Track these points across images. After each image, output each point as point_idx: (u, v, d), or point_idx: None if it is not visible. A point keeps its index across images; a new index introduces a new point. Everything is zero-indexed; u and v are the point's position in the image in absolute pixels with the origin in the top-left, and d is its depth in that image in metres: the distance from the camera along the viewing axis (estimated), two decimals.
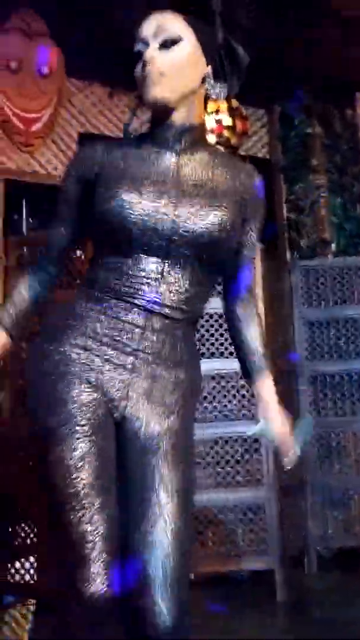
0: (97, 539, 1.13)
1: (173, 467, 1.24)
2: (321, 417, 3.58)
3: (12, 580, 2.77)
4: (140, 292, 1.26)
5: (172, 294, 1.28)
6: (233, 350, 3.10)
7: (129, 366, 1.26)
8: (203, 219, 1.27)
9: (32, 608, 2.94)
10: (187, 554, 1.20)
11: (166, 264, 1.27)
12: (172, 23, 1.32)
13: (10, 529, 2.82)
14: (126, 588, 1.14)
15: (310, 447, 3.54)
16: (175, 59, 1.30)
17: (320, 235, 4.84)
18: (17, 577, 2.77)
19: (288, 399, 3.46)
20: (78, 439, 1.18)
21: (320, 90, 4.94)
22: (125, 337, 1.26)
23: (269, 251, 3.44)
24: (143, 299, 1.26)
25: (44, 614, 2.85)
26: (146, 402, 1.27)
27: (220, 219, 1.28)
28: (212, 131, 4.57)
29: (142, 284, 1.26)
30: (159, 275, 1.27)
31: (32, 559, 2.78)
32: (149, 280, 1.26)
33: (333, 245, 4.89)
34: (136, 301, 1.26)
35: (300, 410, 3.56)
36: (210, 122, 4.57)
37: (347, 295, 3.70)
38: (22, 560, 2.79)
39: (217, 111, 4.52)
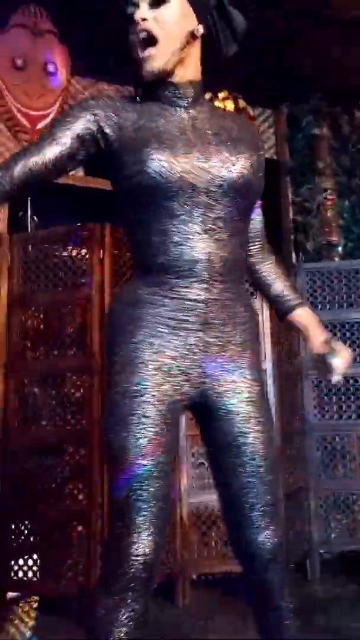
0: (149, 508, 1.25)
1: (255, 423, 1.34)
2: (326, 420, 3.55)
3: (15, 578, 2.75)
4: (191, 263, 1.28)
5: (219, 251, 1.30)
6: None
7: (201, 344, 1.32)
8: (234, 165, 1.31)
9: (34, 605, 2.92)
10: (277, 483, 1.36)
11: (208, 219, 1.30)
12: None
13: (13, 527, 2.80)
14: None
15: (314, 450, 3.51)
16: (166, 17, 1.33)
17: (326, 237, 4.82)
18: (20, 574, 2.75)
19: (293, 402, 3.44)
20: (150, 426, 1.26)
21: (328, 92, 4.92)
22: (191, 316, 1.30)
23: (275, 253, 3.40)
24: (195, 269, 1.28)
25: (46, 611, 2.83)
26: (222, 372, 1.33)
27: (248, 162, 1.34)
28: None
29: (191, 248, 1.28)
30: (205, 234, 1.29)
31: (35, 556, 2.76)
32: (193, 243, 1.28)
33: (340, 248, 4.87)
34: (191, 274, 1.28)
35: (304, 413, 3.53)
36: None
37: (353, 299, 3.67)
38: (25, 557, 2.77)
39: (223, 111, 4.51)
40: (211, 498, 3.02)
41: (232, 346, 1.35)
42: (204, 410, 1.37)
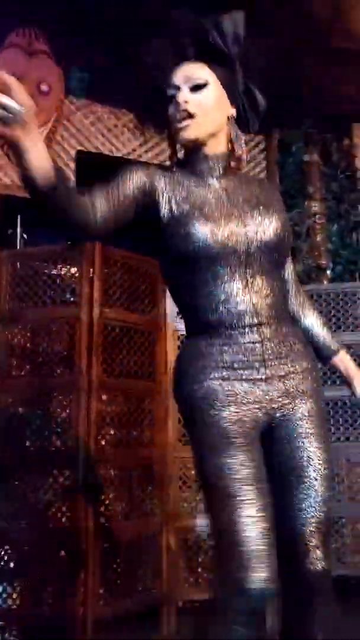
0: (260, 533, 1.31)
1: (317, 445, 1.45)
2: None
3: None
4: (240, 314, 1.44)
5: (262, 298, 1.46)
6: None
7: (263, 377, 1.45)
8: (268, 227, 1.47)
9: (14, 634, 2.84)
10: (330, 516, 1.46)
11: (249, 276, 1.46)
12: (199, 70, 1.52)
13: None
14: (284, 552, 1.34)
15: None
16: (203, 101, 1.49)
17: (316, 261, 4.84)
18: (0, 601, 2.68)
19: None
20: (235, 450, 1.37)
21: (319, 119, 4.99)
22: (251, 356, 1.45)
23: None
24: (243, 319, 1.44)
25: (28, 638, 2.74)
26: (284, 400, 1.46)
27: (279, 223, 1.50)
28: None
29: (237, 302, 1.44)
30: (246, 288, 1.45)
31: (15, 583, 2.68)
32: (239, 298, 1.44)
33: (328, 272, 4.89)
34: (241, 323, 1.44)
35: None
36: None
37: (342, 322, 3.67)
38: (4, 584, 2.69)
39: None
40: (199, 522, 2.99)
41: (292, 375, 1.48)
42: (272, 434, 1.48)
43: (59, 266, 2.92)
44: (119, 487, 2.78)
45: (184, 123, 1.48)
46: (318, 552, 1.41)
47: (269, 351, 1.46)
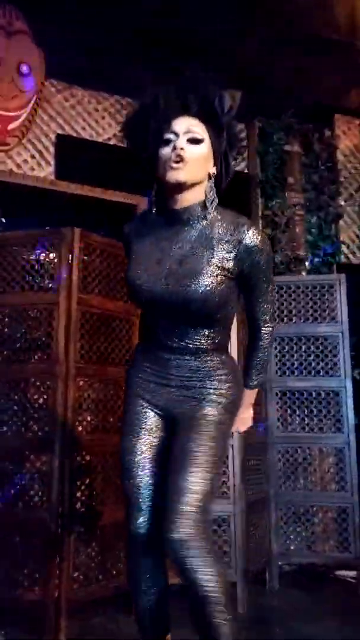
0: (141, 491, 1.76)
1: (199, 443, 1.69)
2: (289, 433, 3.57)
3: None
4: (162, 341, 1.77)
5: (178, 339, 1.75)
6: None
7: (166, 384, 1.79)
8: (198, 286, 1.65)
9: None
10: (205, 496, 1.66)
11: (171, 319, 1.72)
12: (198, 127, 1.72)
13: None
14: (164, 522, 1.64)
15: (277, 462, 3.53)
16: (197, 153, 1.70)
17: (294, 252, 4.87)
18: None
19: (257, 413, 3.45)
20: (133, 434, 1.80)
21: (300, 109, 5.00)
22: (163, 368, 1.79)
23: None
24: (166, 344, 1.76)
25: (1, 622, 2.76)
26: (180, 405, 1.78)
27: (211, 283, 1.66)
28: None
29: (161, 336, 1.76)
30: (170, 327, 1.74)
31: None
32: (164, 332, 1.75)
33: (307, 263, 4.93)
34: (163, 345, 1.77)
35: (268, 425, 3.55)
36: None
37: (318, 313, 3.72)
38: None
39: None
40: None
41: (187, 391, 1.78)
42: (174, 427, 1.80)
43: (38, 251, 2.90)
44: (95, 473, 2.80)
45: (177, 165, 1.67)
46: (171, 517, 1.63)
47: (173, 370, 1.77)
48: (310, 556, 3.51)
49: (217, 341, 1.78)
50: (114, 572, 2.81)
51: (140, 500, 1.76)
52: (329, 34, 4.23)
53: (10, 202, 4.43)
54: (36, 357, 2.80)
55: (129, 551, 1.82)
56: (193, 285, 1.65)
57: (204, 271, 1.66)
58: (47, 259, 2.88)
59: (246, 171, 5.24)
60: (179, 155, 1.66)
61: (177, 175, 1.66)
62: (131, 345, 3.02)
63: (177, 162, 1.66)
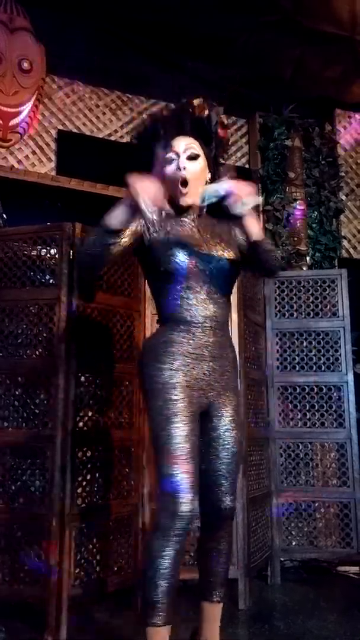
0: (188, 478, 1.89)
1: (233, 427, 2.07)
2: (290, 428, 3.57)
3: None
4: (202, 318, 2.01)
5: (218, 310, 2.04)
6: None
7: (209, 369, 2.03)
8: (224, 254, 2.06)
9: None
10: (239, 469, 2.13)
11: (210, 288, 2.02)
12: (194, 144, 2.07)
13: None
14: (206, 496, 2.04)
15: (278, 457, 3.53)
16: (195, 169, 2.06)
17: (295, 247, 4.86)
18: None
19: (258, 409, 3.45)
20: (179, 420, 1.93)
21: (301, 104, 4.98)
22: (206, 351, 2.02)
23: None
24: (206, 323, 2.01)
25: (4, 616, 2.77)
26: (220, 389, 2.06)
27: (233, 252, 2.09)
28: None
29: (200, 309, 2.01)
30: (209, 299, 2.02)
31: None
32: (203, 305, 2.01)
33: (308, 258, 4.92)
34: (203, 325, 2.01)
35: (269, 420, 3.55)
36: None
37: (320, 308, 3.71)
38: None
39: None
40: None
41: (227, 373, 2.09)
42: (208, 412, 2.06)
43: (38, 247, 2.90)
44: (97, 469, 2.80)
45: (185, 190, 2.03)
46: (227, 493, 2.05)
47: (216, 351, 2.04)
48: (312, 551, 3.51)
49: (227, 316, 2.14)
50: (115, 568, 2.82)
51: (194, 481, 1.90)
52: (329, 28, 4.22)
53: (11, 198, 4.42)
54: (37, 352, 2.80)
55: (171, 533, 1.86)
56: (229, 251, 2.06)
57: (230, 242, 2.09)
58: (48, 254, 2.88)
59: (247, 166, 5.24)
60: (184, 180, 2.01)
61: (186, 200, 2.05)
62: (132, 340, 3.02)
63: (184, 186, 2.01)
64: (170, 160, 2.03)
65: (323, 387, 3.60)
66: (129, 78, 4.58)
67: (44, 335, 2.79)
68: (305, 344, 3.66)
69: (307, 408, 3.59)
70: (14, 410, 2.78)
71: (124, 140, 4.69)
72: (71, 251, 2.80)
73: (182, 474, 1.87)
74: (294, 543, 3.49)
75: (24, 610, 2.68)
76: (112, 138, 4.69)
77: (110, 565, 2.79)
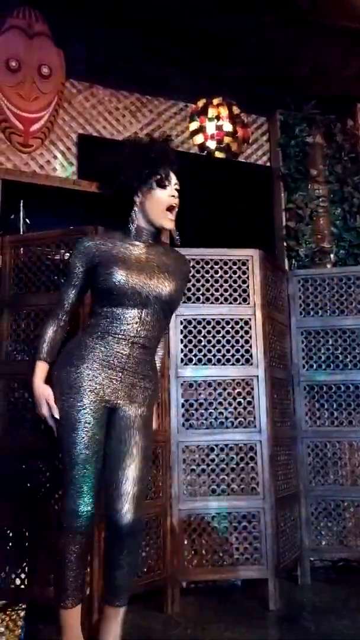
0: (90, 482, 2.04)
1: (141, 437, 2.13)
2: (317, 427, 3.54)
3: (2, 585, 2.71)
4: (126, 332, 2.10)
5: (145, 332, 2.12)
6: (230, 357, 3.03)
7: (119, 378, 2.12)
8: (165, 287, 2.13)
9: (22, 613, 2.88)
10: (144, 486, 2.16)
11: (143, 313, 2.11)
12: (176, 180, 2.22)
13: (1, 534, 2.76)
14: (108, 506, 2.08)
15: (306, 456, 3.50)
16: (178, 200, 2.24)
17: (319, 244, 4.82)
18: (8, 581, 2.71)
19: (284, 408, 3.43)
20: (82, 428, 2.05)
21: (322, 100, 4.94)
22: (116, 360, 2.11)
23: (267, 259, 3.40)
24: (128, 336, 2.10)
25: (34, 618, 2.78)
26: (127, 400, 2.14)
27: (174, 286, 2.16)
28: (212, 137, 4.56)
29: (128, 324, 2.10)
30: (138, 320, 2.11)
31: (23, 563, 2.72)
32: (131, 323, 2.11)
33: (332, 255, 4.88)
34: (123, 338, 2.10)
35: (296, 419, 3.52)
36: (210, 128, 4.55)
37: (345, 306, 3.67)
38: (14, 566, 2.73)
39: (218, 117, 4.51)
40: (202, 505, 3.03)
41: (137, 387, 2.16)
42: (112, 419, 2.14)
43: (62, 251, 2.92)
44: None
45: (172, 217, 2.18)
46: (129, 506, 2.05)
47: (130, 364, 2.11)
48: (342, 551, 3.47)
49: (160, 340, 2.26)
50: (145, 569, 2.82)
51: (92, 489, 2.03)
52: (348, 23, 4.18)
53: (34, 203, 4.47)
54: None
55: (69, 533, 2.04)
56: (170, 284, 2.14)
57: (174, 277, 2.18)
58: (66, 266, 2.89)
59: (268, 164, 5.21)
60: (175, 207, 2.17)
61: (171, 225, 2.19)
62: None
63: (171, 211, 2.16)
64: (164, 186, 2.16)
65: (350, 385, 3.56)
66: (148, 80, 4.59)
67: (70, 338, 2.80)
68: (330, 342, 3.63)
69: (334, 407, 3.55)
70: (33, 413, 2.79)
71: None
72: None
73: (82, 480, 2.02)
74: (323, 543, 3.46)
75: (54, 613, 2.70)
76: None
77: (139, 566, 2.79)
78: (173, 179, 2.19)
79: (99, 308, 2.15)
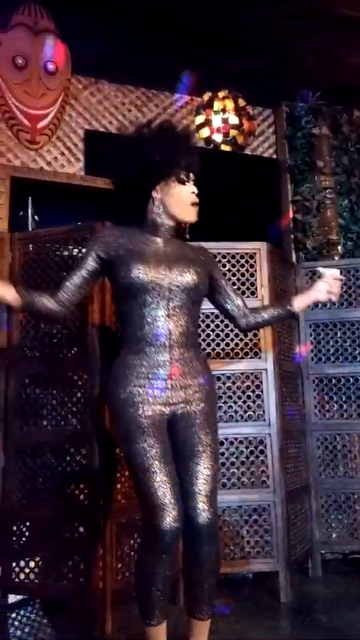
0: (166, 491, 1.89)
1: (204, 433, 2.05)
2: (326, 420, 3.55)
3: (17, 580, 2.74)
4: (159, 337, 2.03)
5: (178, 328, 2.06)
6: (238, 351, 3.04)
7: (169, 386, 2.05)
8: (185, 276, 2.08)
9: (36, 607, 2.92)
10: (216, 483, 2.06)
11: (169, 308, 2.05)
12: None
13: (14, 528, 2.80)
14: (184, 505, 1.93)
15: (315, 449, 3.51)
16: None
17: (326, 236, 4.81)
18: (22, 576, 2.74)
19: (293, 401, 3.43)
20: (147, 437, 1.96)
21: (328, 91, 4.92)
22: (161, 370, 2.05)
23: (275, 252, 3.40)
24: (163, 340, 2.04)
25: (48, 614, 2.82)
26: (183, 402, 2.07)
27: (196, 273, 2.11)
28: (218, 130, 4.55)
29: (159, 327, 2.04)
30: (167, 317, 2.05)
31: (36, 558, 2.75)
32: (162, 325, 2.04)
33: (339, 247, 4.87)
34: (160, 344, 2.04)
35: (305, 412, 3.53)
36: (216, 122, 4.55)
37: (353, 298, 3.66)
38: (27, 559, 2.76)
39: (223, 110, 4.50)
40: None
41: (189, 387, 2.08)
42: (174, 425, 2.07)
43: (70, 247, 2.93)
44: None
45: (196, 209, 2.15)
46: (204, 505, 1.95)
47: (174, 368, 2.05)
48: (353, 543, 3.48)
49: (196, 332, 2.21)
50: None
51: (173, 497, 1.89)
52: (353, 12, 4.15)
53: (42, 200, 4.48)
54: (72, 351, 2.84)
55: (157, 547, 1.88)
56: (190, 273, 2.09)
57: (194, 266, 2.12)
58: (79, 254, 2.91)
59: (274, 157, 5.20)
60: (195, 198, 2.14)
61: (195, 217, 2.16)
62: None
63: (195, 207, 2.14)
64: (183, 182, 2.13)
65: (359, 377, 3.56)
66: (153, 74, 4.58)
67: (79, 334, 2.82)
68: (339, 334, 3.62)
69: (344, 399, 3.55)
70: (52, 409, 2.83)
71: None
72: None
73: (160, 489, 1.88)
74: (334, 535, 3.47)
75: (69, 606, 2.74)
76: None
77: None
78: (192, 175, 2.16)
79: (125, 311, 2.10)
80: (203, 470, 1.98)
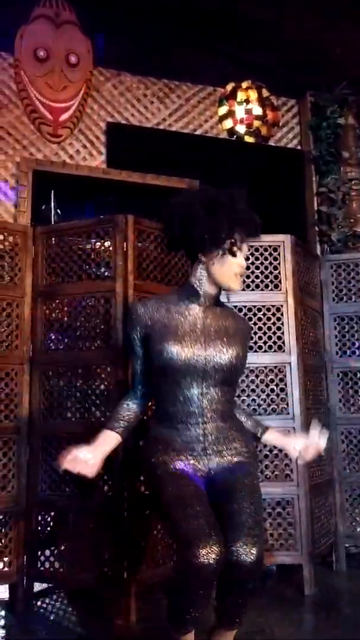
0: (202, 526, 1.74)
1: (242, 475, 1.95)
2: (351, 413, 3.51)
3: (42, 569, 2.77)
4: (193, 415, 1.97)
5: (213, 405, 1.99)
6: (262, 345, 3.01)
7: (205, 455, 1.98)
8: (222, 357, 1.98)
9: (61, 596, 2.95)
10: (261, 520, 1.92)
11: (203, 387, 1.98)
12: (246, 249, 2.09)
13: (39, 519, 2.82)
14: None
15: (340, 443, 3.47)
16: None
17: (352, 228, 4.74)
18: (47, 565, 2.77)
19: (318, 395, 3.40)
20: (182, 479, 1.90)
21: (354, 81, 4.84)
22: (195, 445, 1.98)
23: (299, 244, 3.36)
24: (197, 419, 1.98)
25: (72, 602, 2.85)
26: (219, 465, 1.98)
27: (234, 352, 2.00)
28: (241, 121, 4.51)
29: (192, 407, 1.98)
30: (201, 397, 1.98)
31: (62, 547, 2.77)
32: (196, 405, 1.97)
33: None
34: (194, 423, 1.98)
35: (330, 406, 3.49)
36: (240, 112, 4.50)
37: None
38: (52, 549, 2.79)
39: (247, 101, 4.45)
40: None
41: (226, 452, 2.00)
42: (212, 488, 1.96)
43: (93, 240, 2.94)
44: None
45: (241, 280, 2.05)
46: (248, 539, 1.77)
47: (207, 442, 1.98)
48: None
49: (231, 407, 2.09)
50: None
51: (211, 530, 1.74)
52: None
53: (65, 193, 4.50)
54: (96, 344, 2.85)
55: (191, 589, 1.74)
56: (230, 352, 1.99)
57: (235, 342, 2.03)
58: (102, 247, 2.91)
59: (299, 148, 5.14)
60: (242, 271, 2.04)
61: (239, 286, 2.06)
62: None
63: (241, 278, 2.05)
64: (234, 253, 2.01)
65: None
66: (175, 66, 4.56)
67: (102, 327, 2.83)
68: None
69: None
70: (76, 401, 2.84)
71: (173, 128, 4.68)
72: (125, 243, 2.82)
73: (197, 523, 1.73)
74: (358, 529, 3.44)
75: (94, 596, 2.76)
76: (161, 127, 4.68)
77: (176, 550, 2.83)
78: (245, 247, 2.05)
79: (158, 385, 2.04)
80: (245, 505, 1.84)
